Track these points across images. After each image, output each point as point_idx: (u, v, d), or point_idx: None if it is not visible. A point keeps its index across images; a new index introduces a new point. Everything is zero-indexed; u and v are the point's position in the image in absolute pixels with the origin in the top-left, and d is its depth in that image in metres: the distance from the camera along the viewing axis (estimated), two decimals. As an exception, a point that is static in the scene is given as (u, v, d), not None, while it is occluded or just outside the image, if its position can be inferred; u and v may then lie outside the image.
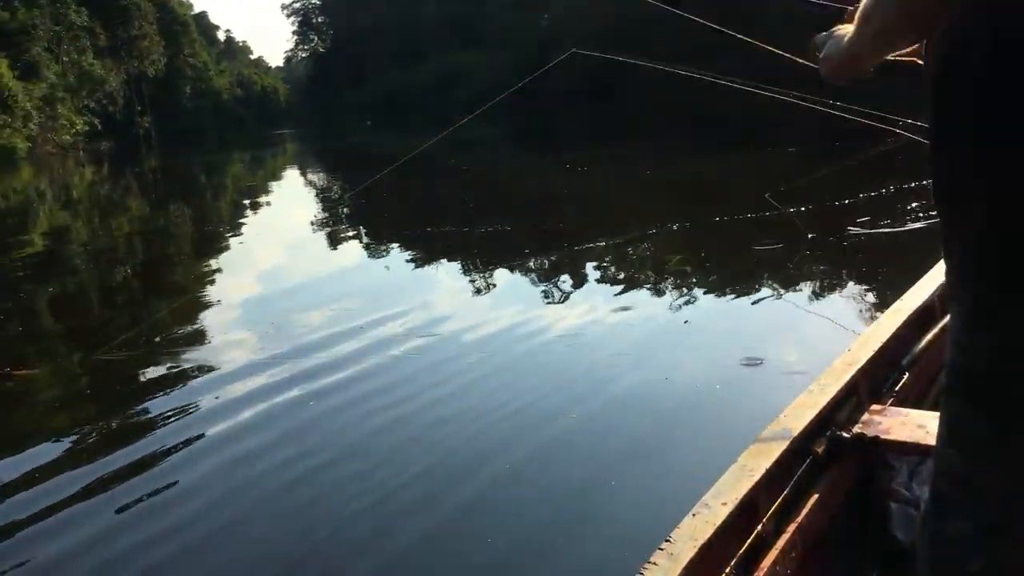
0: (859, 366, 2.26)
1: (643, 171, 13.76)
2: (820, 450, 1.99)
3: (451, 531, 2.94)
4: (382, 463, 3.52)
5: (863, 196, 8.28)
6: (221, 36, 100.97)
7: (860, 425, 2.15)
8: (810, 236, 6.67)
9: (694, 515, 1.62)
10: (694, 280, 6.33)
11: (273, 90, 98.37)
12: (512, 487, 3.22)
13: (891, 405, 2.30)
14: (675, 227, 8.22)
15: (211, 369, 4.94)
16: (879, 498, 2.15)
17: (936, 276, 3.00)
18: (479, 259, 8.02)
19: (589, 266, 7.11)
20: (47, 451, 3.95)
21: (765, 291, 5.66)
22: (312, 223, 11.88)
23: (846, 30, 1.38)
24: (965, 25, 0.97)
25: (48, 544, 3.08)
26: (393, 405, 4.11)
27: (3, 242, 12.62)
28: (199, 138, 58.94)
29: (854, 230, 6.84)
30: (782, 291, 5.65)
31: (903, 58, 1.50)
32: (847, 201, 8.11)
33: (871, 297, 5.31)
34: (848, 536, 2.11)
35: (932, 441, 1.89)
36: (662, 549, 1.53)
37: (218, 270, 9.01)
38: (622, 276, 6.74)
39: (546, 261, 7.59)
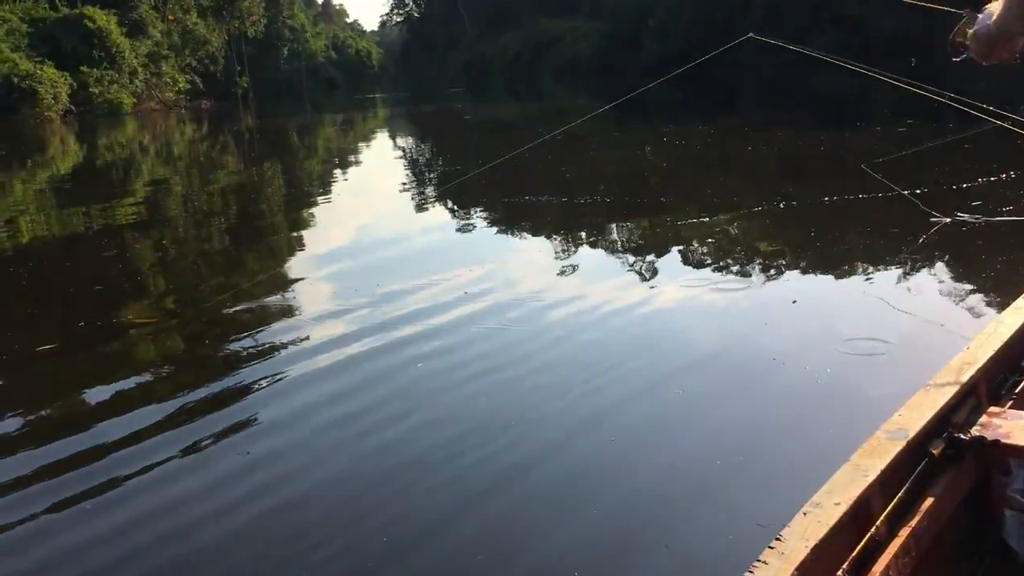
0: (979, 365, 2.15)
1: (746, 146, 13.36)
2: (937, 452, 1.91)
3: (537, 504, 2.90)
4: (458, 416, 3.59)
5: (982, 180, 7.84)
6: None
7: (979, 427, 2.05)
8: (945, 220, 6.31)
9: (805, 514, 1.57)
10: (800, 261, 6.11)
11: (367, 54, 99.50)
12: (608, 461, 3.17)
13: (1010, 408, 2.19)
14: (782, 205, 7.94)
15: (297, 322, 5.14)
16: (995, 505, 2.08)
17: None
18: (575, 230, 7.94)
19: (693, 242, 6.95)
20: (150, 389, 4.18)
21: (876, 277, 5.43)
22: (403, 187, 11.96)
23: (994, 7, 1.31)
24: None
25: (130, 467, 3.28)
26: (470, 363, 4.20)
27: (109, 192, 13.14)
28: (294, 99, 60.27)
29: (964, 216, 6.46)
30: (894, 278, 5.41)
31: None
32: (964, 185, 7.69)
33: (988, 289, 5.01)
34: (964, 542, 2.04)
35: None
36: (772, 548, 1.49)
37: (307, 229, 9.23)
38: (727, 254, 6.54)
39: (646, 235, 7.47)
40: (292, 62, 77.35)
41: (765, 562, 1.45)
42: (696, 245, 6.82)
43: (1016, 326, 2.42)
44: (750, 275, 5.76)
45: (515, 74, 52.64)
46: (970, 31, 1.43)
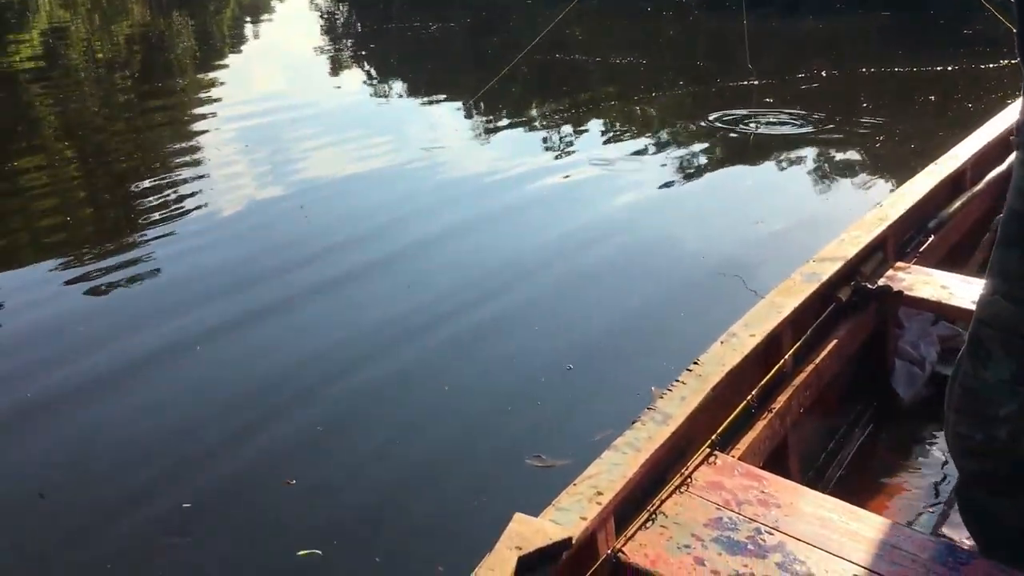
0: (889, 223, 2.31)
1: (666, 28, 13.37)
2: (844, 297, 2.07)
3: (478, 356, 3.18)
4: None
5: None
6: None
7: (885, 279, 2.21)
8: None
9: (722, 343, 1.70)
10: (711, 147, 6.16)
11: None
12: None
13: (915, 264, 2.36)
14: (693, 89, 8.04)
15: (200, 190, 5.25)
16: (889, 354, 2.27)
17: (971, 144, 2.95)
18: (486, 103, 7.95)
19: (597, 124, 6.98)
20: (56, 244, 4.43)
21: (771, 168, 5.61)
22: (317, 48, 11.71)
23: None
24: None
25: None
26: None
27: (2, 39, 12.46)
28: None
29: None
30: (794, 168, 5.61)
31: None
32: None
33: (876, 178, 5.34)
34: (858, 384, 2.22)
35: (953, 301, 2.12)
36: (690, 370, 1.60)
37: (216, 87, 9.01)
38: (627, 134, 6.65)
39: (554, 114, 7.51)
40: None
41: (683, 382, 1.56)
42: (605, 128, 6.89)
43: (927, 188, 2.57)
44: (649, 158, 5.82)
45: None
46: None
